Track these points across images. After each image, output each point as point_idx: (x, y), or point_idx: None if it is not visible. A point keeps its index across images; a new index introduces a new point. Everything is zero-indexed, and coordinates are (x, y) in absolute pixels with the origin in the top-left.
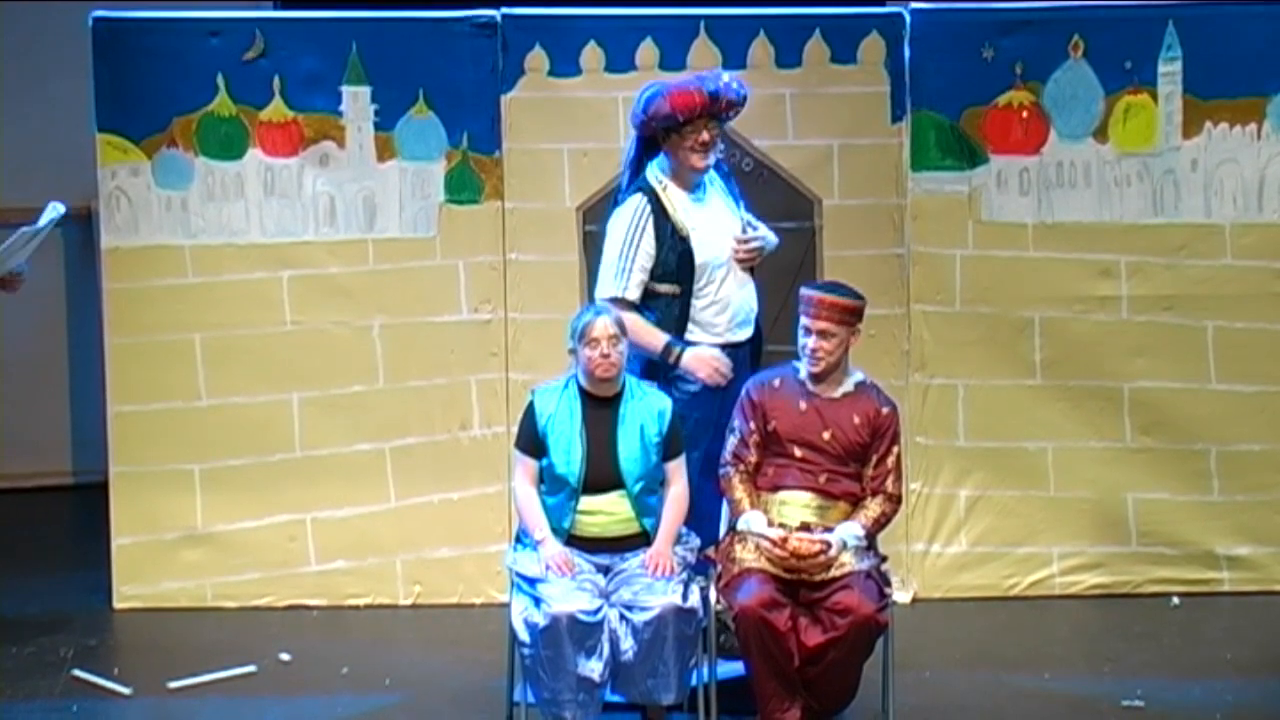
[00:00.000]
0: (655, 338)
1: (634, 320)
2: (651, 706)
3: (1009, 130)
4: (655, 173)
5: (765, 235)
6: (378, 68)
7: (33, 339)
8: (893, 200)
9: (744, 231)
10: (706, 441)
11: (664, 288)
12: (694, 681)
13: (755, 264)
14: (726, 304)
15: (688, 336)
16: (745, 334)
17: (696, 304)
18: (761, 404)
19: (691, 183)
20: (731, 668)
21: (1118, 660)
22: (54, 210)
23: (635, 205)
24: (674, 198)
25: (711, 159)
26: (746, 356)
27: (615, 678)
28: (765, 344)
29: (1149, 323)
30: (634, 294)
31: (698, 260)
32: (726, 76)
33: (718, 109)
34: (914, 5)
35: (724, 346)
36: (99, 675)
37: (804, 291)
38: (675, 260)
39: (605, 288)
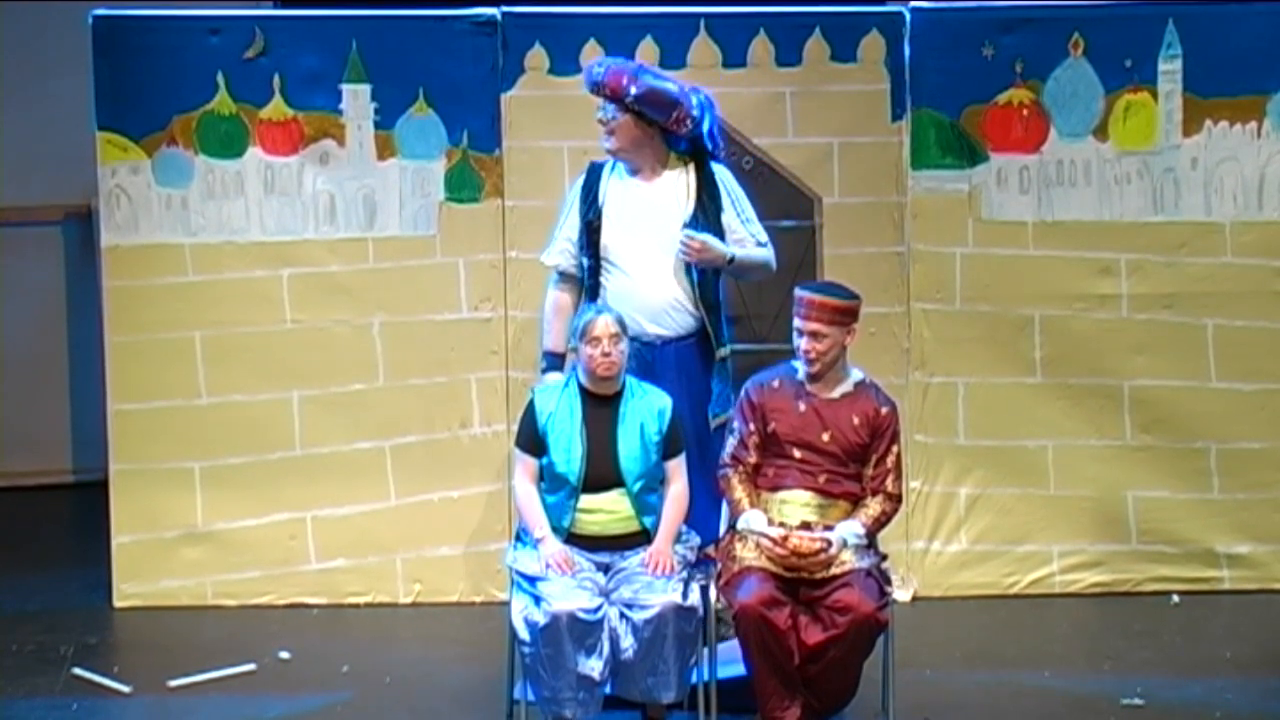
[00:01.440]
0: None
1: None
2: (651, 705)
3: (1009, 128)
4: None
5: (710, 243)
6: (378, 66)
7: (33, 337)
8: (893, 198)
9: (686, 233)
10: None
11: (584, 259)
12: (694, 680)
13: (698, 262)
14: (630, 295)
15: None
16: (657, 331)
17: (603, 283)
18: (761, 405)
19: (630, 168)
20: (732, 666)
21: (1118, 658)
22: None
23: (578, 177)
24: (614, 179)
25: (612, 144)
26: (677, 358)
27: (615, 676)
28: (719, 346)
29: (1149, 321)
30: (552, 259)
31: (602, 239)
32: (605, 68)
33: (604, 93)
34: (914, 3)
35: (635, 339)
36: (99, 673)
37: (796, 292)
38: (588, 233)
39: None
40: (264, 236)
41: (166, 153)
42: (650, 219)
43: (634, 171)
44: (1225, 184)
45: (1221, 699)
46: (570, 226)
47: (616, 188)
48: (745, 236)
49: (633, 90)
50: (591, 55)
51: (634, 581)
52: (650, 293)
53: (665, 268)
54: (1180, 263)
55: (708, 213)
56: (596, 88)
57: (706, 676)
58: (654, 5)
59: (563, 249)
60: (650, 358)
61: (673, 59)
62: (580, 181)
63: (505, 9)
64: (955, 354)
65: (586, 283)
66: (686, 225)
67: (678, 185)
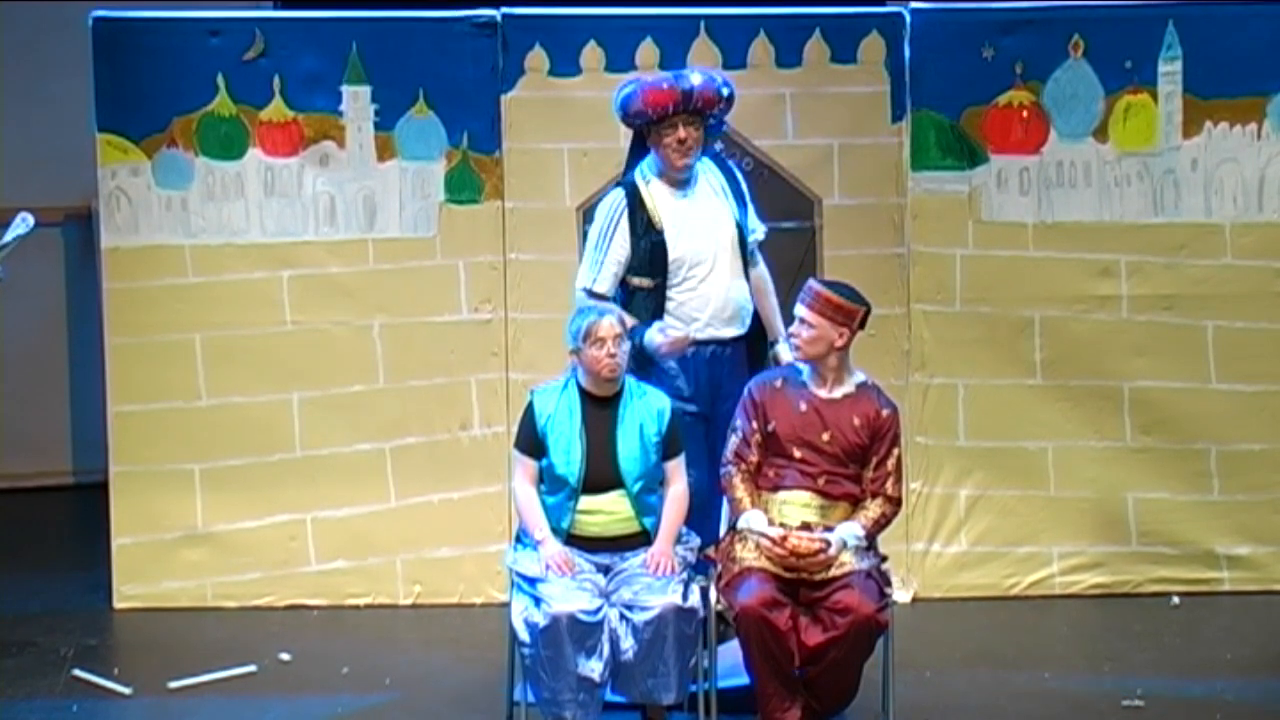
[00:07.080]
0: None
1: None
2: (651, 706)
3: (1009, 130)
4: (644, 169)
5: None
6: (378, 67)
7: (33, 338)
8: (893, 200)
9: (737, 229)
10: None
11: (637, 280)
12: (693, 681)
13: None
14: (708, 299)
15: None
16: (732, 331)
17: (673, 298)
18: (762, 404)
19: (678, 180)
20: (735, 677)
21: (1118, 660)
22: (23, 224)
23: (611, 200)
24: (656, 193)
25: (691, 158)
26: (739, 354)
27: (615, 677)
28: (774, 340)
29: (1149, 322)
30: (603, 286)
31: (670, 255)
32: (699, 78)
33: (693, 106)
34: (914, 5)
35: (707, 342)
36: (99, 675)
37: (808, 281)
38: (649, 254)
39: (580, 278)
40: (264, 238)
41: (166, 154)
42: (710, 223)
43: (677, 180)
44: (1225, 185)
45: (1221, 700)
46: (619, 250)
47: (666, 201)
48: (758, 228)
49: (725, 91)
50: (592, 57)
51: (634, 583)
52: (732, 293)
53: (735, 268)
54: (1180, 264)
55: (742, 207)
56: (718, 103)
57: (706, 678)
58: (654, 6)
59: (612, 273)
60: (724, 358)
61: (673, 61)
62: (619, 207)
63: (505, 10)
64: (955, 355)
65: (649, 304)
66: (737, 221)
67: (710, 183)
